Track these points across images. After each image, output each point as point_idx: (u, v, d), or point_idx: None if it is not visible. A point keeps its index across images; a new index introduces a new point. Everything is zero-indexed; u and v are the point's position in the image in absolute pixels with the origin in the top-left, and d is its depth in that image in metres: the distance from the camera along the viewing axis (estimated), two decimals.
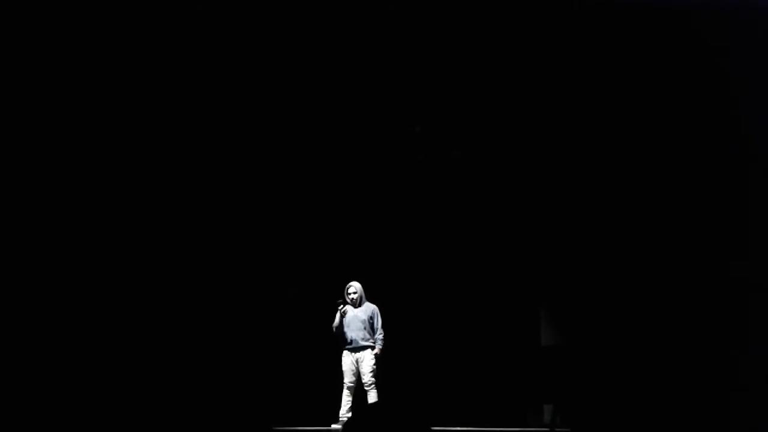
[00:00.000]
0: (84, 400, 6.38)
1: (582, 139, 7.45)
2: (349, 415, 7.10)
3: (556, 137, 7.61)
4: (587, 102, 7.19)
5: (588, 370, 7.26)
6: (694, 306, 6.63)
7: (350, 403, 7.22)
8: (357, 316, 7.32)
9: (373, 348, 7.28)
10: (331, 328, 7.37)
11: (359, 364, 7.26)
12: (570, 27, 6.65)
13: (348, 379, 7.27)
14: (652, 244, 6.91)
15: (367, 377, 7.20)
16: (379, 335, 7.33)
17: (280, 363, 8.11)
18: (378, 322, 7.35)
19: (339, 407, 7.25)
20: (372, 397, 7.16)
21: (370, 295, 7.51)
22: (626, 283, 7.14)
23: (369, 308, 7.38)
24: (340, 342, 7.36)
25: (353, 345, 7.28)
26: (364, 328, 7.29)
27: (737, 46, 6.19)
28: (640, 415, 6.66)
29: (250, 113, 7.50)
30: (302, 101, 7.49)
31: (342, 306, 7.30)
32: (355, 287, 7.42)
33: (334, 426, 7.20)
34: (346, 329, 7.32)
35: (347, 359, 7.31)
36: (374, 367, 7.22)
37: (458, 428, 7.25)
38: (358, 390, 7.26)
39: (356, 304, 7.37)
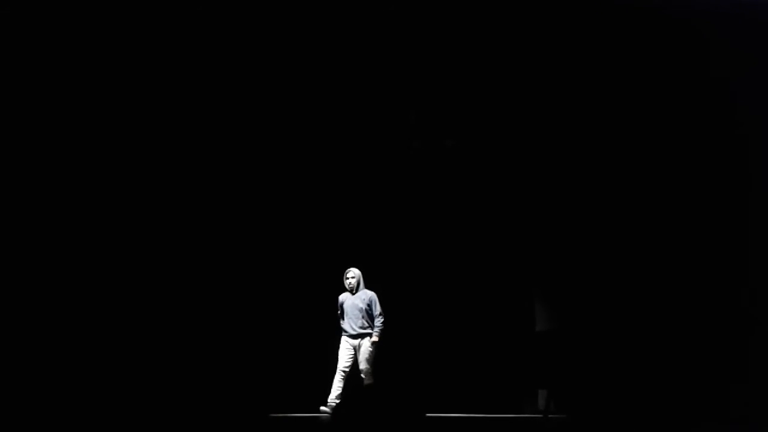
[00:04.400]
0: (83, 386, 6.41)
1: (575, 129, 7.47)
2: (338, 401, 7.12)
3: (550, 127, 7.62)
4: (579, 92, 7.20)
5: (582, 356, 7.30)
6: (686, 292, 6.66)
7: (341, 389, 7.21)
8: (355, 304, 7.35)
9: (371, 335, 7.31)
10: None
11: (357, 351, 7.29)
12: (567, 21, 6.65)
13: (342, 364, 7.27)
14: (645, 231, 6.94)
15: (365, 365, 7.21)
16: (379, 321, 7.32)
17: (278, 352, 8.12)
18: (377, 308, 7.36)
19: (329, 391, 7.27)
20: (368, 382, 7.17)
21: (365, 282, 7.53)
22: (620, 269, 7.17)
23: (366, 295, 7.39)
24: (340, 329, 7.41)
25: (352, 333, 7.30)
26: (362, 316, 7.31)
27: (737, 46, 6.21)
28: (633, 399, 6.70)
29: (244, 103, 7.50)
30: (297, 90, 7.48)
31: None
32: (353, 272, 7.45)
33: (322, 408, 7.22)
34: (345, 317, 7.36)
35: (345, 344, 7.33)
36: (372, 355, 7.25)
37: (453, 414, 7.28)
38: (351, 377, 7.28)
39: (354, 290, 7.39)
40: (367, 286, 7.50)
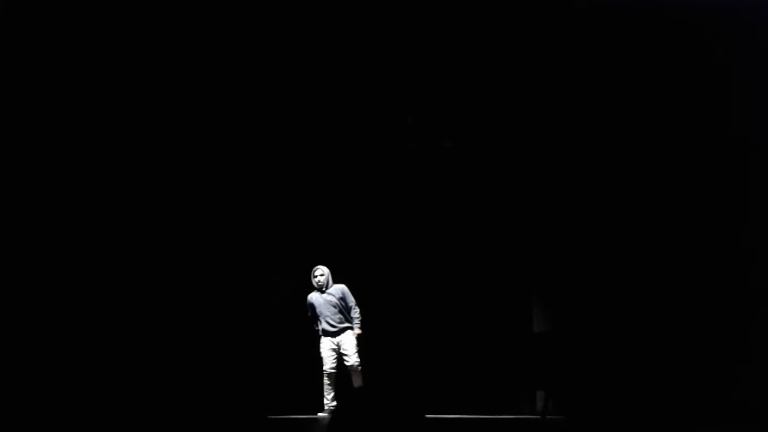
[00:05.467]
0: (81, 387, 6.41)
1: (573, 130, 7.48)
2: (334, 403, 7.11)
3: (547, 127, 7.63)
4: (578, 93, 7.21)
5: (580, 357, 7.29)
6: (685, 293, 6.66)
7: (333, 391, 7.17)
8: (328, 301, 7.28)
9: (352, 329, 7.26)
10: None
11: (341, 347, 7.22)
12: (565, 21, 6.67)
13: (328, 365, 7.21)
14: (643, 232, 6.94)
15: (353, 359, 7.15)
16: (356, 312, 7.27)
17: (275, 353, 8.12)
18: (351, 299, 7.30)
19: (323, 396, 7.24)
20: (357, 380, 7.10)
21: (363, 284, 7.51)
22: (618, 269, 7.17)
23: (338, 289, 7.31)
24: (318, 330, 7.37)
25: (332, 330, 7.23)
26: (339, 311, 7.25)
27: (737, 46, 6.22)
28: (632, 401, 6.70)
29: (242, 105, 7.50)
30: (296, 92, 7.49)
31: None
32: (322, 270, 7.36)
33: (320, 414, 7.20)
34: (320, 317, 7.29)
35: (326, 344, 7.26)
36: (357, 347, 7.21)
37: (450, 416, 7.27)
38: (339, 376, 7.24)
39: (324, 287, 7.32)
40: (366, 288, 7.48)
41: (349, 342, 7.21)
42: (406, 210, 8.57)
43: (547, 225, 8.10)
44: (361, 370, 7.17)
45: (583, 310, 7.48)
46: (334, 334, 7.25)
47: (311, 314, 7.40)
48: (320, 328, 7.32)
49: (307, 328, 7.69)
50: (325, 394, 7.21)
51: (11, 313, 6.15)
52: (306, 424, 7.02)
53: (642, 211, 6.96)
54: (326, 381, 7.22)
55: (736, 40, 6.15)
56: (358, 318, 7.28)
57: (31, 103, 6.40)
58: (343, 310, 7.29)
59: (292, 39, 6.87)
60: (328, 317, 7.26)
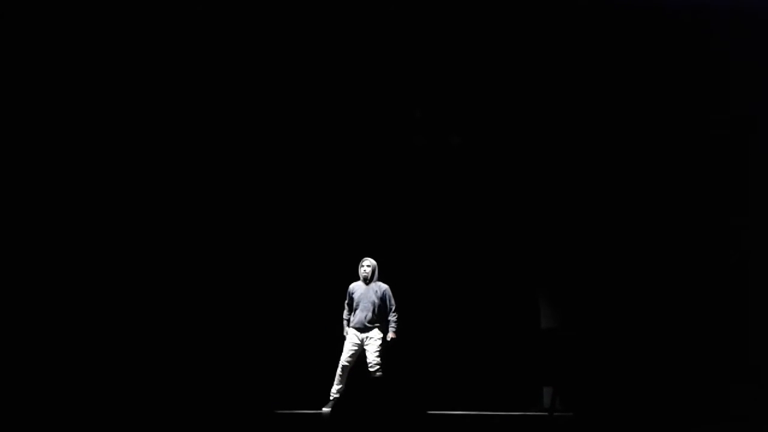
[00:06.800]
0: (87, 381, 6.44)
1: (580, 126, 7.46)
2: (338, 395, 7.11)
3: (554, 124, 7.61)
4: (585, 89, 7.19)
5: (588, 353, 7.28)
6: (692, 289, 6.65)
7: (342, 384, 7.16)
8: (368, 296, 7.26)
9: (380, 328, 7.23)
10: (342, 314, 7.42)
11: (365, 344, 7.23)
12: (570, 18, 6.65)
13: (346, 357, 7.19)
14: (649, 230, 6.93)
15: (372, 357, 7.13)
16: (394, 317, 7.25)
17: (283, 348, 8.14)
18: (391, 302, 7.29)
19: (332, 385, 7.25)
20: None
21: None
22: (625, 266, 7.15)
23: (380, 288, 7.31)
24: (348, 320, 7.35)
25: (360, 326, 7.22)
26: (373, 310, 7.22)
27: (737, 46, 6.20)
28: (639, 396, 6.69)
29: (247, 98, 7.51)
30: (303, 86, 7.49)
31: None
32: (369, 261, 7.39)
33: (324, 409, 7.18)
34: (355, 308, 7.29)
35: (351, 337, 7.24)
36: (381, 347, 7.19)
37: (457, 412, 7.27)
38: (353, 371, 7.22)
39: (368, 279, 7.32)
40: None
41: (374, 341, 7.20)
42: (412, 205, 8.56)
43: (554, 222, 8.08)
44: (380, 371, 7.14)
45: (590, 306, 7.46)
46: (360, 330, 7.24)
47: (349, 302, 7.36)
48: (352, 318, 7.30)
49: (315, 323, 7.71)
50: (335, 383, 7.20)
51: (11, 312, 6.19)
52: (313, 418, 7.03)
53: (649, 210, 6.95)
54: (339, 371, 7.20)
55: (736, 39, 6.12)
56: (394, 323, 7.25)
57: (31, 103, 6.43)
58: (377, 310, 7.24)
59: (298, 30, 6.87)
60: (362, 312, 7.23)
